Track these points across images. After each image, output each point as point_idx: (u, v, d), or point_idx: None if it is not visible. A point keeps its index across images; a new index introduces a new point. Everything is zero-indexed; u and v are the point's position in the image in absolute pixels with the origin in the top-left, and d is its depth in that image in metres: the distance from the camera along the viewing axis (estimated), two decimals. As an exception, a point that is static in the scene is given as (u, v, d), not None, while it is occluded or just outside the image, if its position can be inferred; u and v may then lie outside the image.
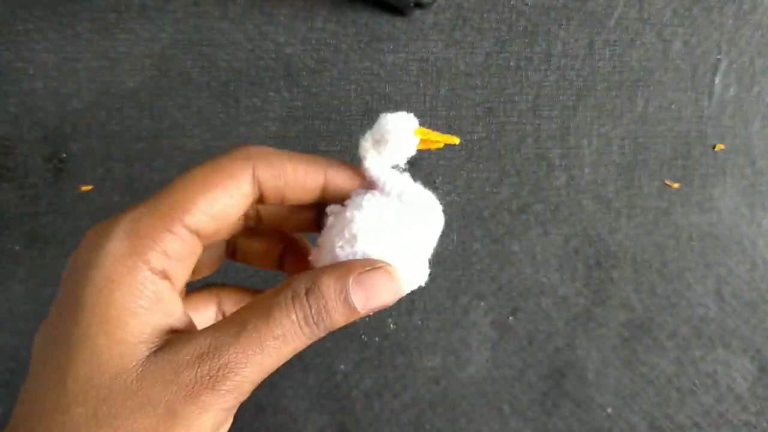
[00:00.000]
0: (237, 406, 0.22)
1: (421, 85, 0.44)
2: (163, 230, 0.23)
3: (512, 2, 0.44)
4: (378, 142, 0.27)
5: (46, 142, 0.43)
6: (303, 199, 0.27)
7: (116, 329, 0.21)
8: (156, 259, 0.22)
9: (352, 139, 0.44)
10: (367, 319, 0.44)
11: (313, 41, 0.43)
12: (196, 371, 0.21)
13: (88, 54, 0.43)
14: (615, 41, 0.44)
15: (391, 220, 0.26)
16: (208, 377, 0.21)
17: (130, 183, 0.43)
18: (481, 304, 0.44)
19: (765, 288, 0.44)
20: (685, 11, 0.44)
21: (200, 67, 0.43)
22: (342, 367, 0.44)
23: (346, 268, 0.24)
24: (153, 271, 0.22)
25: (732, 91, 0.44)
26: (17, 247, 0.43)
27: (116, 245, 0.22)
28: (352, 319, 0.24)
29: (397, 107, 0.44)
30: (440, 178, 0.44)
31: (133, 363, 0.21)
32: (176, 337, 0.22)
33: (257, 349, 0.22)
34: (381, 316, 0.44)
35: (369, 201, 0.26)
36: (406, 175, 0.28)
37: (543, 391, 0.43)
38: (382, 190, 0.27)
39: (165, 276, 0.23)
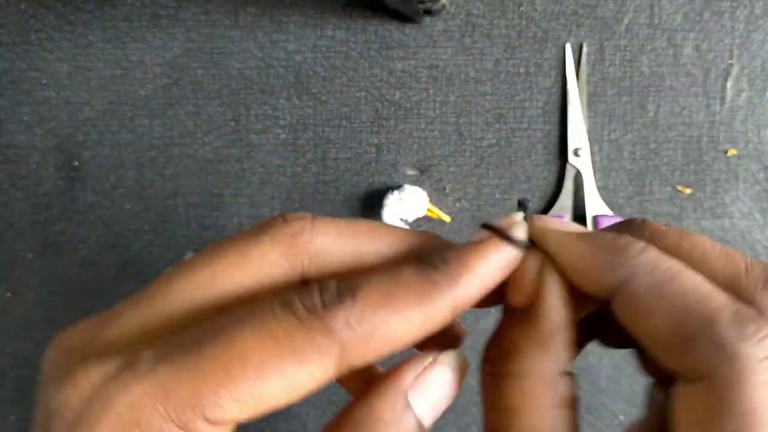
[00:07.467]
0: None
1: (430, 91, 0.44)
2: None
3: (522, 8, 0.44)
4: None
5: (59, 150, 0.43)
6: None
7: None
8: None
9: (362, 146, 0.44)
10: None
11: (323, 49, 0.43)
12: None
13: (100, 63, 0.43)
14: (625, 47, 0.44)
15: None
16: None
17: (141, 191, 0.43)
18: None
19: (779, 294, 0.44)
20: (696, 16, 0.44)
21: (211, 75, 0.43)
22: (353, 374, 0.44)
23: None
24: None
25: (744, 95, 0.44)
26: (30, 255, 0.43)
27: None
28: None
29: (407, 114, 0.44)
30: (450, 184, 0.44)
31: None
32: None
33: None
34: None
35: None
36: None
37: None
38: None
39: None
